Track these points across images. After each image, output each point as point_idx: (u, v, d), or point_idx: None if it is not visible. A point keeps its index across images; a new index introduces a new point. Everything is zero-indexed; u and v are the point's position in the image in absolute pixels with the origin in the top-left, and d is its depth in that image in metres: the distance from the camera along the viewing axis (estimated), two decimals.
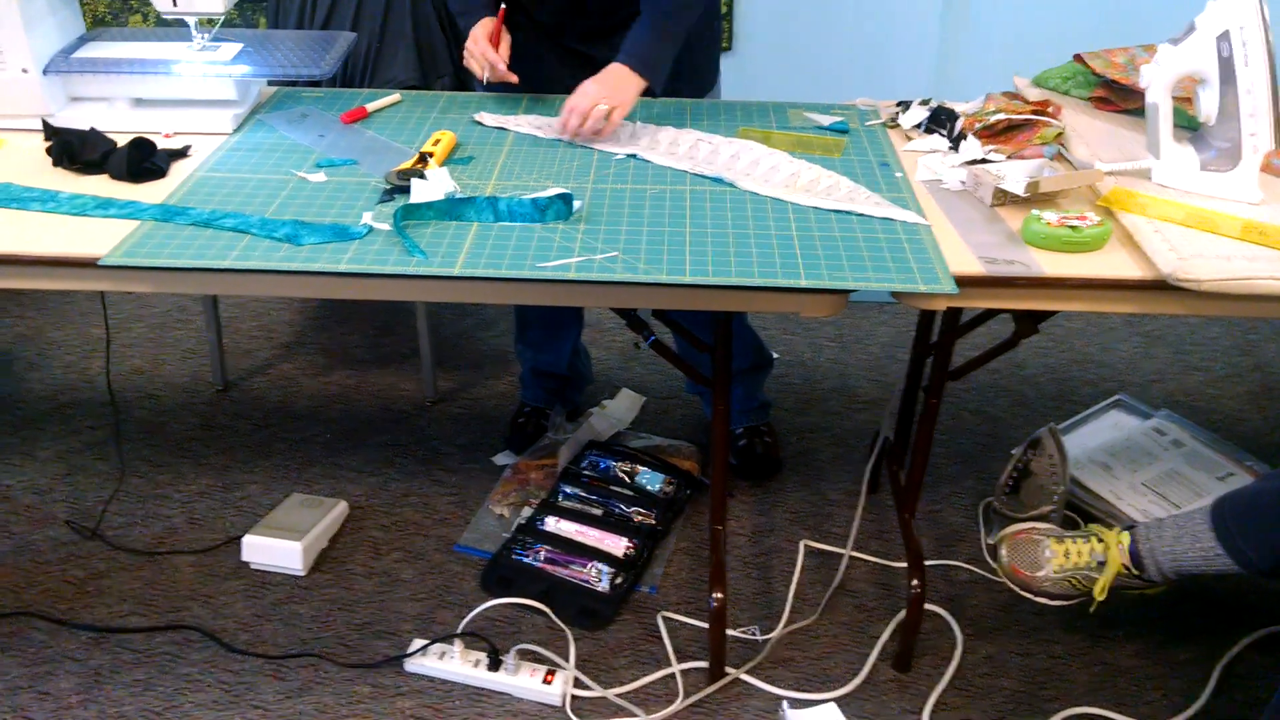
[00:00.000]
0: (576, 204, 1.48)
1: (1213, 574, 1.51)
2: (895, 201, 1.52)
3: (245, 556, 1.94)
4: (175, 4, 1.64)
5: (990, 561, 1.95)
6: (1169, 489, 2.03)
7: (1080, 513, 2.03)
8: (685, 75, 1.81)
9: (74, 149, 1.56)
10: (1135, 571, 1.56)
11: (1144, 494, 2.02)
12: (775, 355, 2.54)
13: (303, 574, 1.92)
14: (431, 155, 1.59)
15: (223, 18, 1.70)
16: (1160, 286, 1.32)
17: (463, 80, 2.45)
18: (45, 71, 1.65)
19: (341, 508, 2.05)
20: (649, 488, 2.08)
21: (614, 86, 1.68)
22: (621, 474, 2.11)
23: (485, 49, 1.73)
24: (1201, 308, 1.36)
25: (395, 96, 1.86)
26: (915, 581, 1.67)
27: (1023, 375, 2.53)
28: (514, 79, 1.75)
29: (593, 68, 1.71)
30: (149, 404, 2.41)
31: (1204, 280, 1.29)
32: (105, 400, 2.41)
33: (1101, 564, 1.57)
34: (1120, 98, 1.79)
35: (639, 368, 2.55)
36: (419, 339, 2.40)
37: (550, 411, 2.30)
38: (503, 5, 1.76)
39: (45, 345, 2.64)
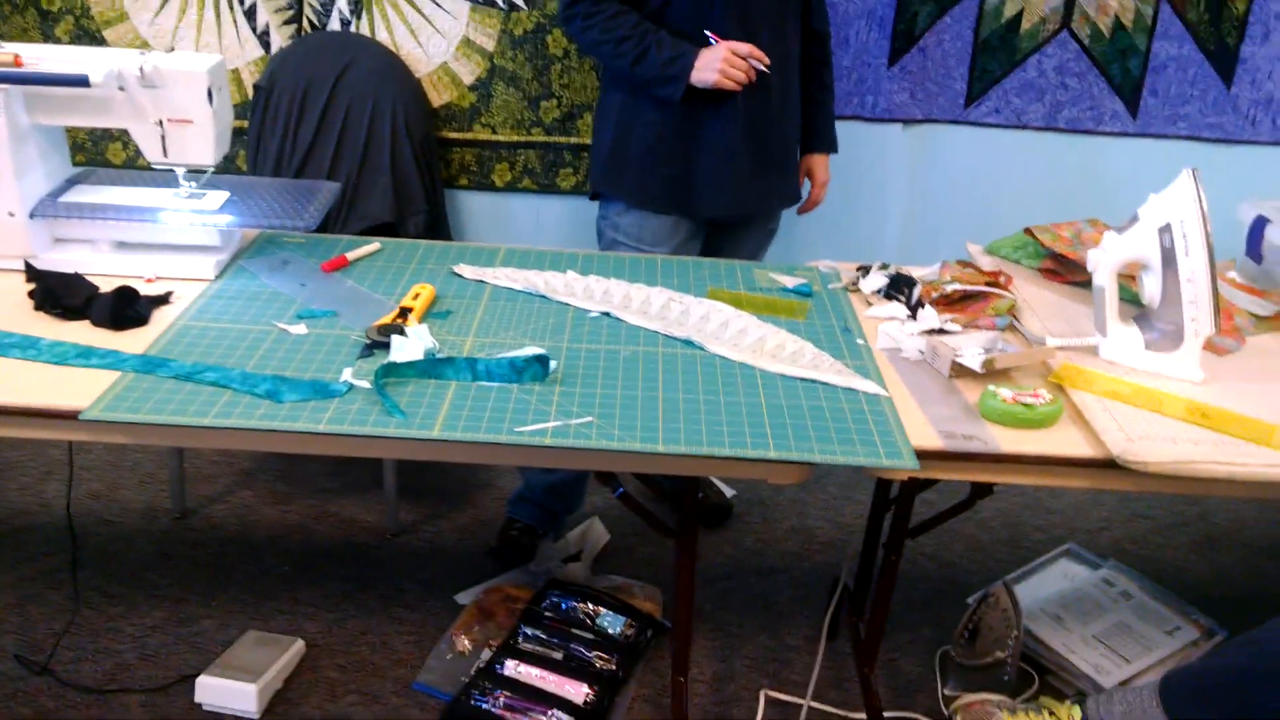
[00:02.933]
0: (553, 364, 1.53)
1: None
2: (857, 369, 1.58)
3: (198, 697, 1.91)
4: (166, 155, 1.68)
5: (945, 712, 1.97)
6: (1118, 642, 2.07)
7: (1034, 665, 2.06)
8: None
9: (57, 294, 1.58)
10: None
11: (1095, 647, 2.06)
12: (733, 492, 2.59)
13: (256, 717, 1.89)
14: (411, 310, 1.63)
15: (211, 168, 1.74)
16: (1111, 465, 1.39)
17: (435, 219, 2.52)
18: (32, 215, 1.68)
19: (298, 646, 2.03)
20: (610, 630, 2.09)
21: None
22: (583, 615, 2.11)
23: (736, 45, 1.93)
24: (1150, 485, 1.43)
25: (375, 245, 1.90)
26: None
27: (977, 520, 2.59)
28: (767, 60, 1.98)
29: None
30: (105, 530, 2.38)
31: (1151, 463, 1.36)
32: (61, 526, 2.37)
33: None
34: (1067, 270, 1.89)
35: (602, 500, 2.57)
36: (383, 470, 2.41)
37: (541, 533, 2.31)
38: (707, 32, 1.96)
39: (1, 465, 2.61)
